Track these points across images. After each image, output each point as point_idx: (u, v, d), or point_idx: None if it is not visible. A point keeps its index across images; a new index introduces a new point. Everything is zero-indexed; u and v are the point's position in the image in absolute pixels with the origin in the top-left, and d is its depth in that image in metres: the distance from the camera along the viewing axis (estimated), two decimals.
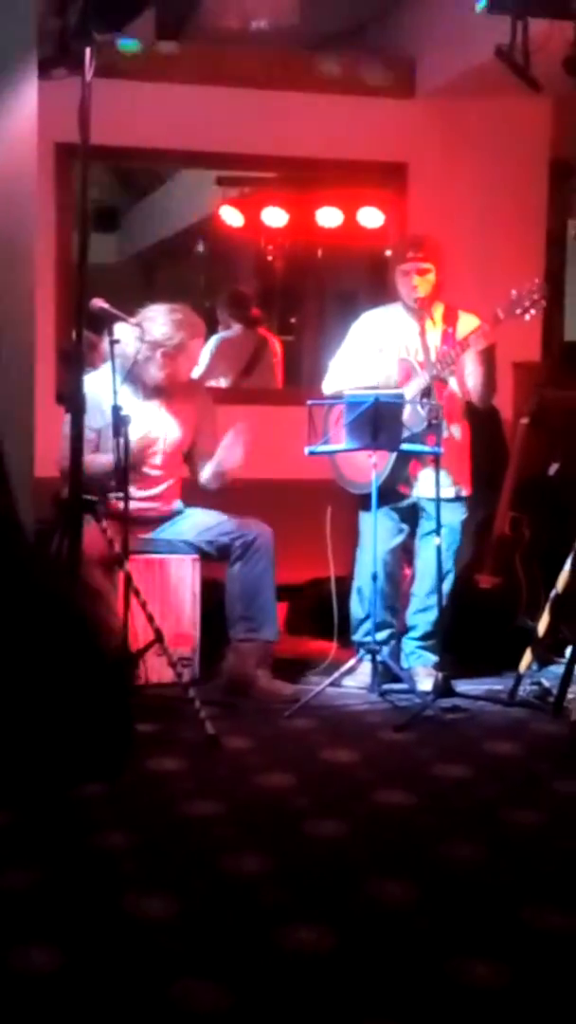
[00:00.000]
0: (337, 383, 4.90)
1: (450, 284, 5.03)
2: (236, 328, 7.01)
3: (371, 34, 6.78)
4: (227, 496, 4.91)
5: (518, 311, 4.58)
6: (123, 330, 4.51)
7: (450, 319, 4.83)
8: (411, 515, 4.91)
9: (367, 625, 4.79)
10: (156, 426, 4.77)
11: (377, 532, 4.68)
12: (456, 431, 4.89)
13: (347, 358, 4.99)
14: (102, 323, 4.36)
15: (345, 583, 5.01)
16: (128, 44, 5.61)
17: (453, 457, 4.85)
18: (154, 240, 10.50)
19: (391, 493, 4.81)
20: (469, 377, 4.83)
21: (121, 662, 4.08)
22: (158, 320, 4.67)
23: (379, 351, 4.88)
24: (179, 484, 4.94)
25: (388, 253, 6.05)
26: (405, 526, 4.93)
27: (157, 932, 2.79)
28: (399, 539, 4.93)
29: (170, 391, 4.80)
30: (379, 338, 4.92)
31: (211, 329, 7.19)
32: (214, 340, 6.98)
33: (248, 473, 4.96)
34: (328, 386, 4.94)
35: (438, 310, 4.85)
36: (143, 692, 4.40)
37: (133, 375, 4.64)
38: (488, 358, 4.75)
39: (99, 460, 4.47)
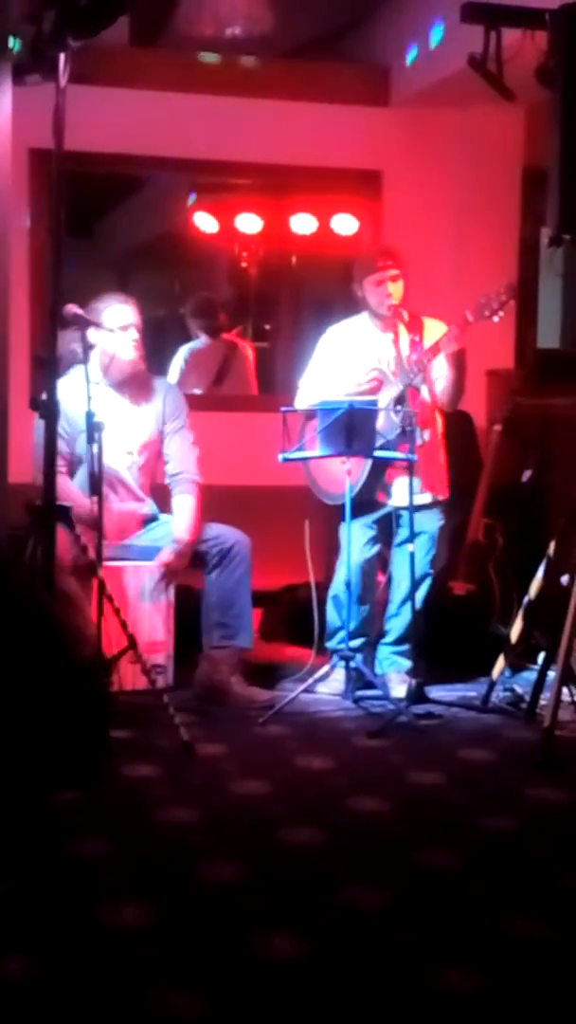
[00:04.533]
0: (309, 400, 4.89)
1: (424, 291, 5.05)
2: (203, 338, 7.00)
3: (345, 42, 6.80)
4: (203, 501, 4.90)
5: (486, 313, 4.60)
6: (97, 335, 4.55)
7: (415, 327, 4.84)
8: (387, 525, 4.92)
9: (342, 634, 4.80)
10: (127, 421, 4.80)
11: (354, 542, 4.69)
12: (428, 436, 4.90)
13: (317, 374, 4.99)
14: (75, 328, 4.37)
15: (323, 590, 5.01)
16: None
17: (428, 462, 4.87)
18: (128, 246, 10.48)
19: (368, 503, 4.81)
20: (438, 381, 4.85)
21: (95, 669, 4.07)
22: (123, 306, 4.75)
23: (351, 365, 4.88)
24: (151, 486, 4.94)
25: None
26: (381, 536, 4.93)
27: (132, 940, 2.79)
28: (375, 549, 4.93)
29: (140, 386, 4.83)
30: (348, 351, 4.92)
31: (184, 337, 7.19)
32: (183, 351, 6.96)
33: (223, 479, 4.96)
34: (300, 403, 4.92)
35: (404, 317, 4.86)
36: (117, 699, 4.39)
37: (106, 371, 4.73)
38: (458, 362, 4.76)
39: (74, 497, 4.44)
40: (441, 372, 4.81)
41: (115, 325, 4.66)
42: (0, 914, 2.90)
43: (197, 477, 4.85)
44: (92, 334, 4.42)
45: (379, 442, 4.62)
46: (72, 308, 4.26)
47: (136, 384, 4.84)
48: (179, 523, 4.77)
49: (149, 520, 4.91)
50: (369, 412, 4.55)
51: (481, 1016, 2.54)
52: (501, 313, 4.62)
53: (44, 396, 4.01)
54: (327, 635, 4.98)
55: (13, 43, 4.21)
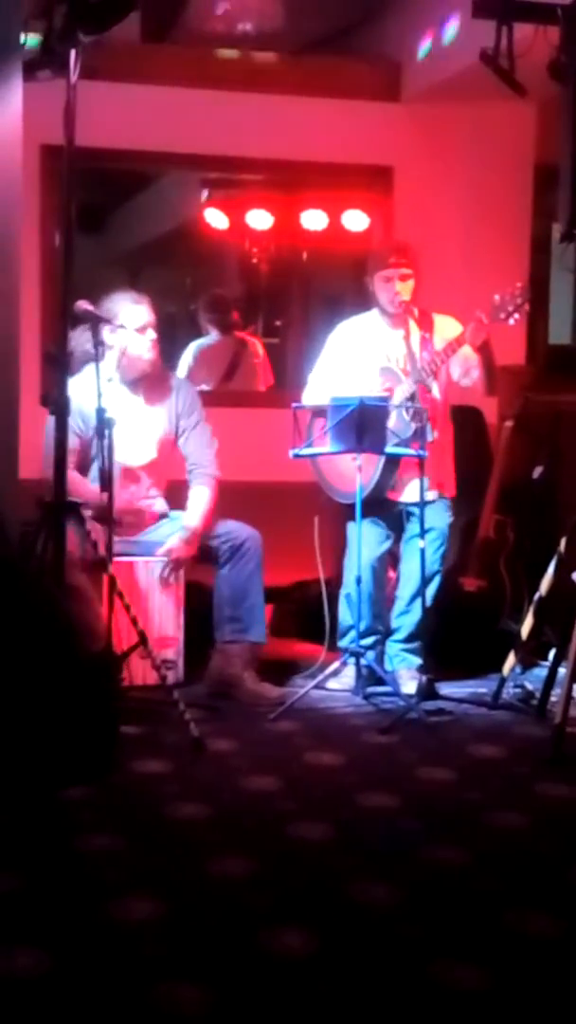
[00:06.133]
0: (317, 397, 4.88)
1: (435, 288, 5.04)
2: (213, 334, 7.01)
3: (356, 37, 6.79)
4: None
5: (501, 315, 4.59)
6: (111, 333, 4.57)
7: (426, 324, 4.83)
8: (397, 522, 4.91)
9: (354, 633, 4.79)
10: (141, 419, 4.79)
11: (365, 540, 4.68)
12: (437, 434, 4.89)
13: (326, 371, 4.98)
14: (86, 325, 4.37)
15: (334, 586, 5.01)
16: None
17: (438, 460, 4.86)
18: (139, 242, 10.50)
19: (380, 502, 4.79)
20: (470, 372, 4.81)
21: (106, 665, 4.07)
22: (138, 306, 4.73)
23: (361, 361, 4.86)
24: (164, 483, 4.94)
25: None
26: (392, 533, 4.93)
27: (141, 935, 2.79)
28: (386, 546, 4.92)
29: (154, 384, 4.83)
30: (358, 348, 4.91)
31: (195, 333, 7.20)
32: (193, 348, 6.97)
33: (234, 475, 4.96)
34: (308, 400, 4.91)
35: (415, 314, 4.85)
36: (127, 695, 4.39)
37: (121, 368, 4.71)
38: (487, 349, 4.74)
39: (83, 488, 4.47)
40: (472, 362, 4.77)
41: (132, 326, 4.66)
42: (10, 908, 2.91)
43: (214, 471, 4.86)
44: (106, 333, 4.43)
45: (393, 441, 4.61)
46: (83, 304, 4.26)
47: (151, 382, 4.84)
48: (191, 512, 4.78)
49: (161, 517, 4.91)
50: (380, 408, 4.54)
51: (489, 1012, 2.54)
52: (517, 316, 4.60)
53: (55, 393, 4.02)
54: (339, 634, 4.97)
55: (27, 40, 4.21)
